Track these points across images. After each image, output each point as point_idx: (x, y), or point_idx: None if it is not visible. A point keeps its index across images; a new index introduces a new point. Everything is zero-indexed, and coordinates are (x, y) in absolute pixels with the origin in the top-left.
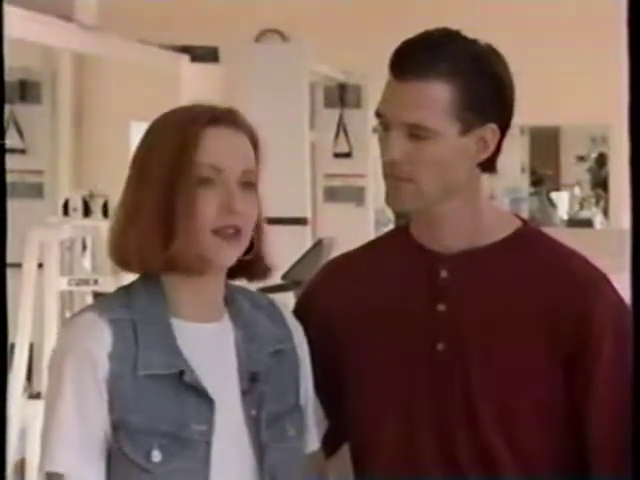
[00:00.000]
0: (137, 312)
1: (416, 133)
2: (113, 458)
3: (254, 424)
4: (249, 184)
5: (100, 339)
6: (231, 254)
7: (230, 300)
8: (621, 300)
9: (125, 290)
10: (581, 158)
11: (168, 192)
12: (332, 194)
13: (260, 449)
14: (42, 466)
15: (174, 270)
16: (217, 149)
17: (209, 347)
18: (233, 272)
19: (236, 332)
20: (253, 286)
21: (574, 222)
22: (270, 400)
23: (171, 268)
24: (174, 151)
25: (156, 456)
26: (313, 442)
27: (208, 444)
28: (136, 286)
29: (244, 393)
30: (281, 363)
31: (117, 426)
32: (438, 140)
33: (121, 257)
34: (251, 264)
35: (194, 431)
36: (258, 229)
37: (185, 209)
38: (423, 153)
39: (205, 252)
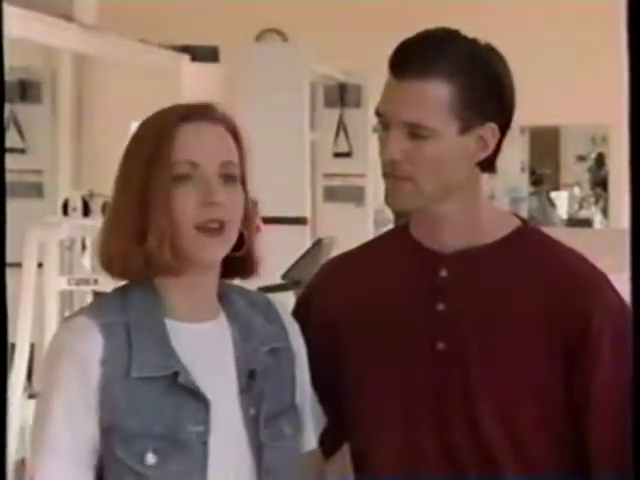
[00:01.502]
0: (131, 314)
1: (415, 132)
2: (108, 463)
3: (252, 423)
4: (230, 176)
5: (91, 344)
6: (216, 250)
7: (225, 299)
8: (620, 300)
9: (120, 292)
10: (581, 158)
11: (144, 192)
12: (332, 194)
13: (258, 448)
14: (30, 469)
15: (154, 272)
16: (192, 144)
17: (205, 347)
18: (224, 270)
19: (232, 331)
20: (253, 285)
21: (573, 222)
22: (267, 398)
23: (151, 270)
24: (149, 151)
25: (150, 459)
26: (311, 441)
27: (205, 445)
28: (131, 288)
29: (242, 391)
30: (277, 361)
31: (110, 431)
32: (437, 139)
33: (105, 260)
34: (242, 261)
35: (190, 432)
36: (248, 225)
37: (160, 207)
38: (422, 152)
39: (189, 249)
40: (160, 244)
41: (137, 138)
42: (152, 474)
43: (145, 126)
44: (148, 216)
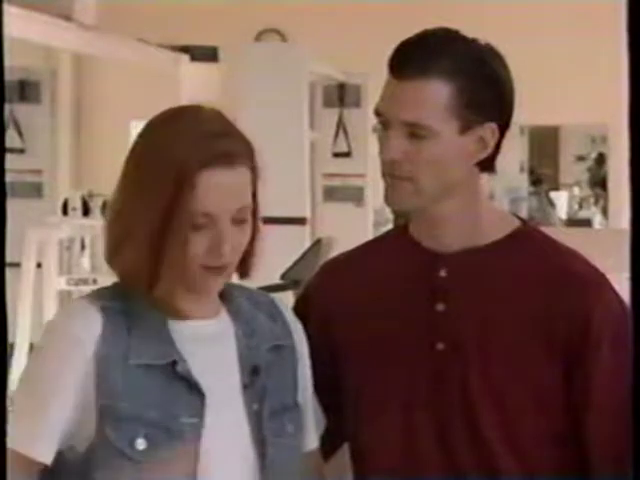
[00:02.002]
0: (131, 305)
1: (415, 132)
2: (98, 447)
3: (255, 418)
4: (243, 220)
5: (89, 325)
6: (216, 286)
7: (227, 297)
8: (620, 300)
9: (121, 285)
10: (580, 158)
11: (162, 230)
12: (331, 194)
13: (261, 444)
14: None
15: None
16: (211, 195)
17: (206, 343)
18: None
19: (235, 328)
20: (252, 285)
21: (573, 222)
22: (270, 395)
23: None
24: (168, 195)
25: (140, 444)
26: (312, 441)
27: (199, 437)
28: None
29: (245, 387)
30: (280, 359)
31: (104, 411)
32: (437, 139)
33: (117, 271)
34: (239, 261)
35: (184, 423)
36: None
37: (175, 252)
38: (422, 152)
39: (192, 283)
40: (172, 286)
41: (154, 159)
42: (141, 459)
43: (164, 151)
44: (162, 253)
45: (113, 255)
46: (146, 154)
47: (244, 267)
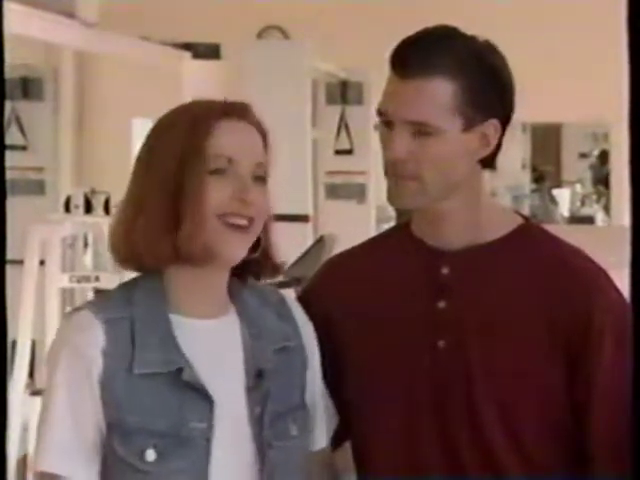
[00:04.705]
0: (136, 309)
1: (420, 131)
2: (108, 459)
3: (257, 422)
4: (261, 178)
5: (94, 338)
6: (240, 247)
7: (237, 296)
8: (622, 297)
9: (125, 287)
10: (583, 155)
11: (178, 181)
12: (333, 191)
13: (262, 447)
14: (35, 464)
15: (182, 261)
16: (230, 141)
17: (212, 343)
18: (240, 270)
19: (242, 328)
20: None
21: (575, 219)
22: (274, 398)
23: (179, 258)
24: (186, 141)
25: (150, 455)
26: (321, 440)
27: (208, 442)
28: (136, 283)
29: (249, 390)
30: (288, 360)
31: (110, 426)
32: (441, 137)
33: (129, 252)
34: (258, 262)
35: (193, 429)
36: (265, 227)
37: (194, 198)
38: (427, 151)
39: (213, 243)
40: (193, 234)
41: (170, 127)
42: (153, 470)
43: (176, 118)
44: (180, 206)
45: (126, 234)
46: (156, 135)
47: (263, 267)
